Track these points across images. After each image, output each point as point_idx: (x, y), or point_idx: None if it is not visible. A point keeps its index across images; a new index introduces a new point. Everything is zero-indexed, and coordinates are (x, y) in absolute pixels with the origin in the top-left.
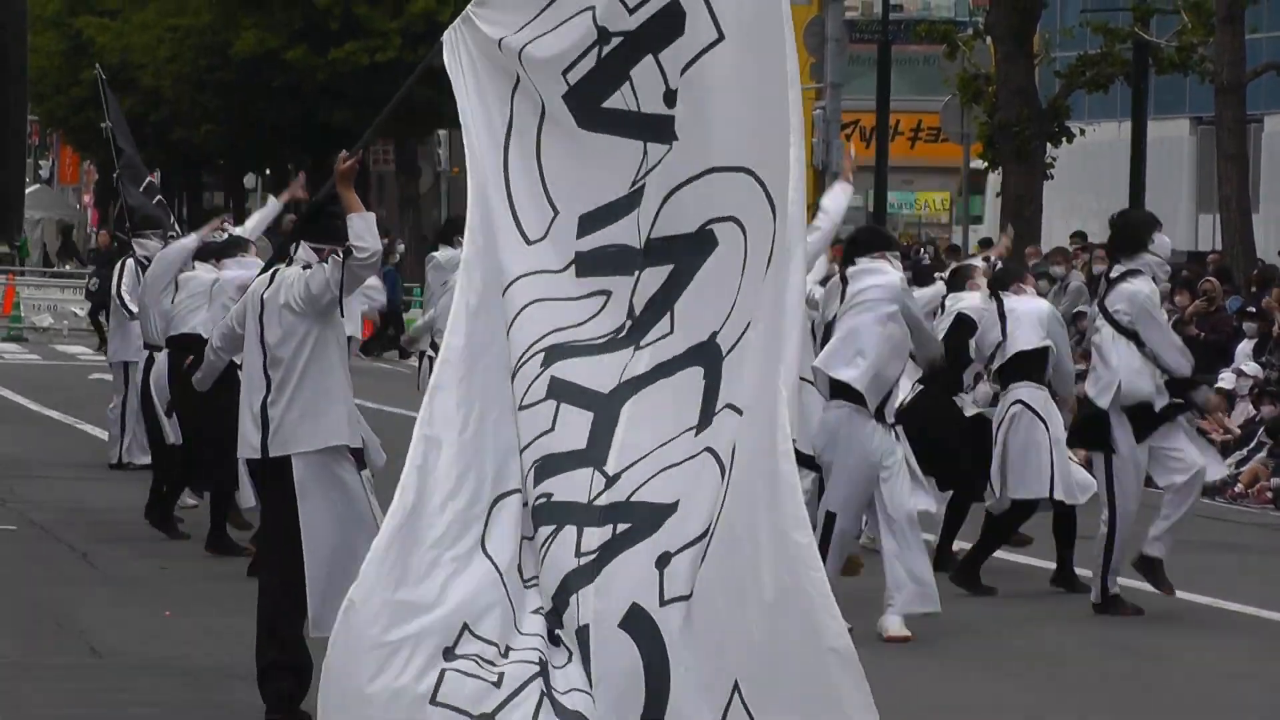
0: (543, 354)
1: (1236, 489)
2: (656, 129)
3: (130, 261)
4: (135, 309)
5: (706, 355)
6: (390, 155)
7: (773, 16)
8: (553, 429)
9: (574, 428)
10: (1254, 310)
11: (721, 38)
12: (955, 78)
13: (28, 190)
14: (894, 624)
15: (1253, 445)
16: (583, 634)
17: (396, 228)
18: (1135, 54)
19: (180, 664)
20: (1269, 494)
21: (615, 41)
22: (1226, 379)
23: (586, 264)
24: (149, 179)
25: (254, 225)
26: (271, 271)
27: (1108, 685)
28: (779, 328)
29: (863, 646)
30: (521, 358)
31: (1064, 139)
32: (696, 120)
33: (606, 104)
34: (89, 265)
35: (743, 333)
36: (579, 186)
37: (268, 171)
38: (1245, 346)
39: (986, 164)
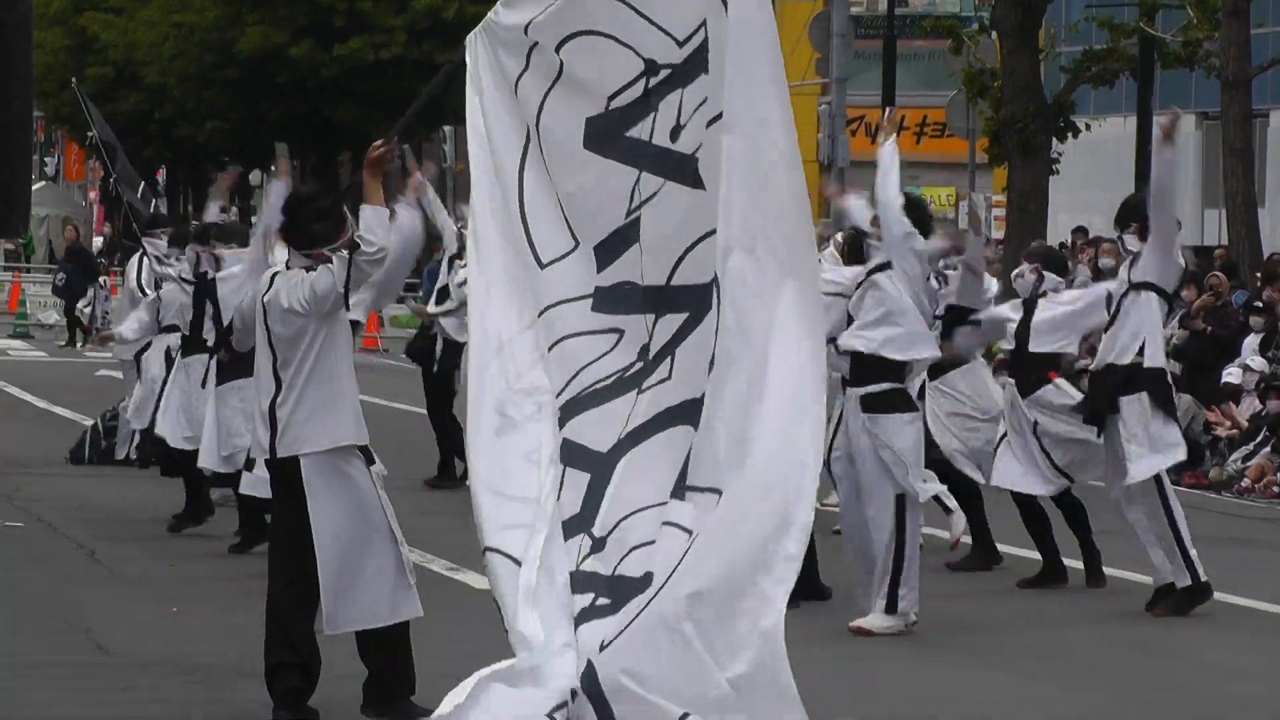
0: (560, 412)
1: (1244, 484)
2: (656, 162)
3: (144, 258)
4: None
5: (698, 415)
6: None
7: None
8: (558, 499)
9: (573, 493)
10: (1260, 305)
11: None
12: (961, 73)
13: (33, 188)
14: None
15: (1259, 440)
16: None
17: None
18: (1141, 49)
19: (187, 661)
20: (1276, 488)
21: (663, 74)
22: (1233, 374)
23: (602, 300)
24: (143, 184)
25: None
26: (271, 274)
27: (1115, 679)
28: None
29: (870, 641)
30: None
31: (1070, 134)
32: (717, 172)
33: (629, 132)
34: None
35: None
36: (592, 216)
37: (273, 168)
38: (1252, 341)
39: (991, 159)
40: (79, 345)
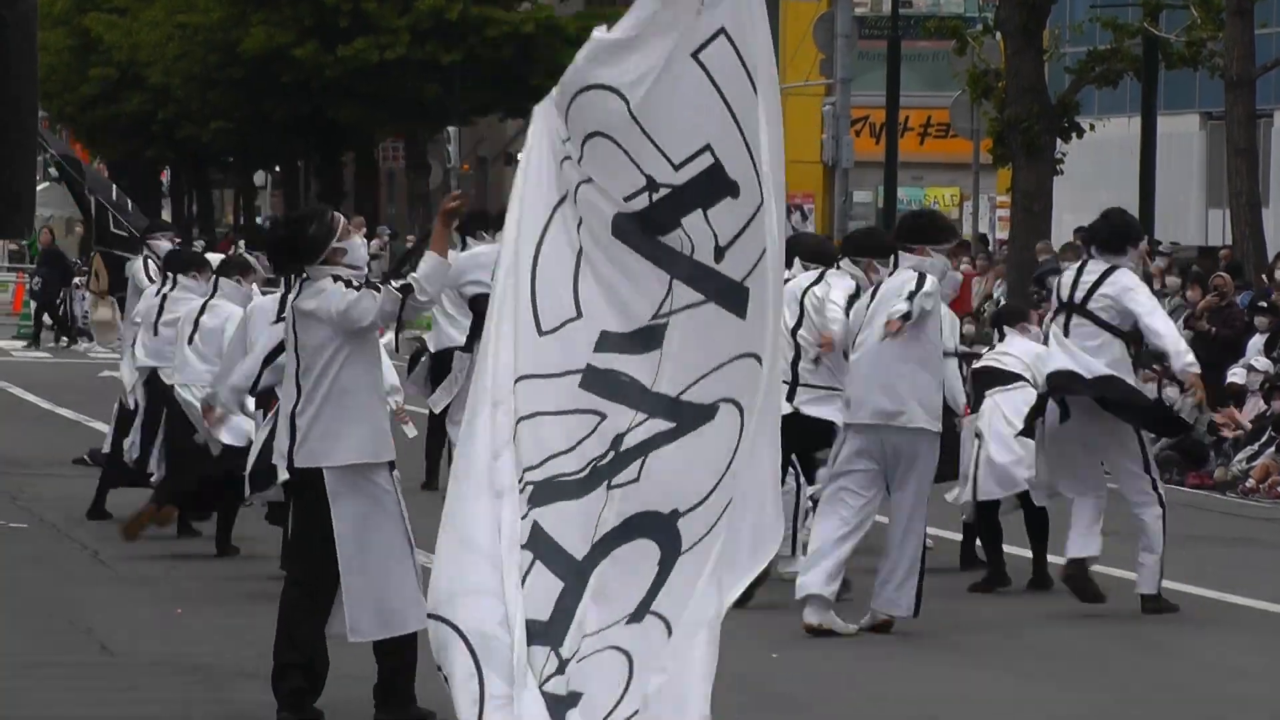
0: (532, 488)
1: (1248, 484)
2: (697, 278)
3: (148, 260)
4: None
5: (666, 533)
6: (400, 152)
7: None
8: (522, 586)
9: (543, 595)
10: (1265, 305)
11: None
12: (965, 73)
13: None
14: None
15: (1264, 440)
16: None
17: (407, 224)
18: (1145, 49)
19: (191, 662)
20: (1279, 489)
21: (663, 192)
22: (1237, 374)
23: (593, 380)
24: (114, 187)
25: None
26: (301, 280)
27: (1116, 679)
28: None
29: (870, 642)
30: (519, 479)
31: (1074, 134)
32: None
33: (663, 239)
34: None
35: (709, 529)
36: (610, 304)
37: (276, 169)
38: (1257, 341)
39: (995, 159)
40: (64, 343)
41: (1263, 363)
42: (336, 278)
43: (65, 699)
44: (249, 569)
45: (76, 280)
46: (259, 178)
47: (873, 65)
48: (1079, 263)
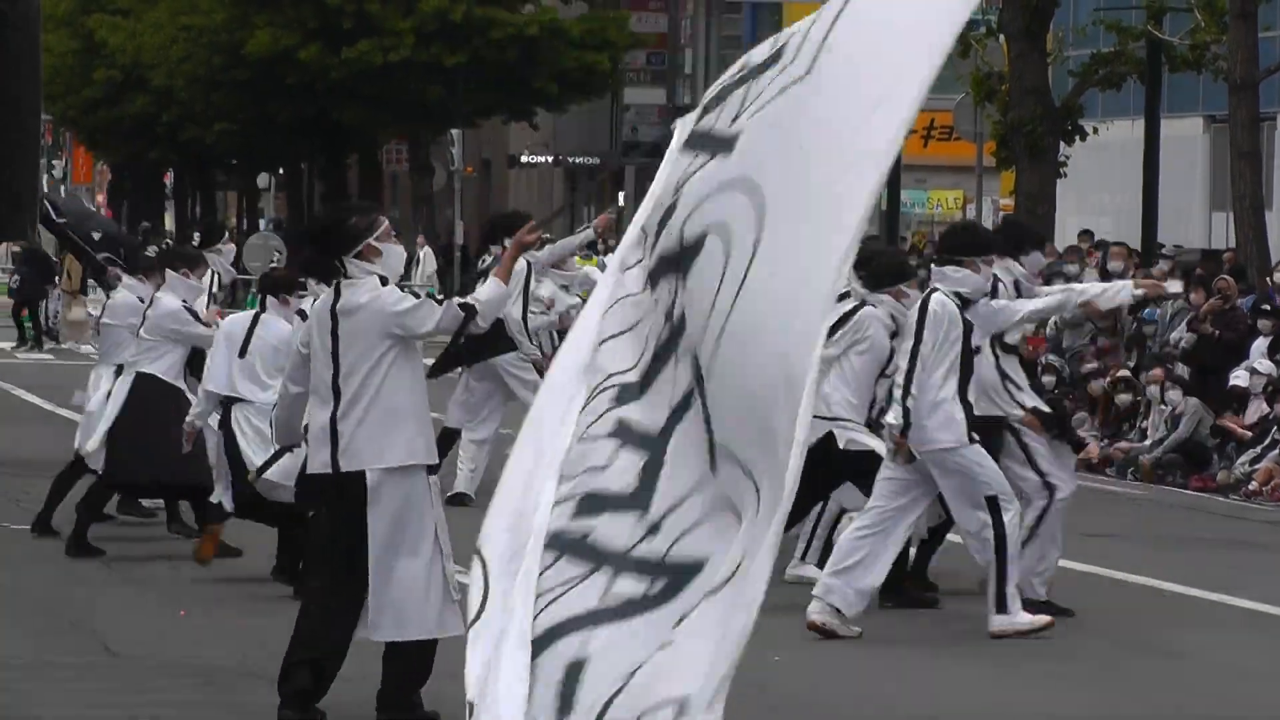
0: (617, 389)
1: (1251, 486)
2: (713, 144)
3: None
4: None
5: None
6: (404, 154)
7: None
8: (605, 468)
9: (627, 471)
10: (1269, 308)
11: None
12: (968, 76)
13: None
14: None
15: (1266, 443)
16: (574, 669)
17: (410, 226)
18: (1148, 52)
19: (195, 663)
20: None
21: (739, 75)
22: (1240, 377)
23: (653, 279)
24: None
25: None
26: (335, 284)
27: (1120, 682)
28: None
29: (873, 644)
30: (599, 386)
31: (1077, 137)
32: (748, 144)
33: (697, 126)
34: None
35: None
36: (652, 202)
37: (280, 171)
38: (1260, 344)
39: (998, 162)
40: (28, 347)
41: (1265, 365)
42: (384, 280)
43: (70, 700)
44: (251, 570)
45: (57, 277)
46: (263, 180)
47: None
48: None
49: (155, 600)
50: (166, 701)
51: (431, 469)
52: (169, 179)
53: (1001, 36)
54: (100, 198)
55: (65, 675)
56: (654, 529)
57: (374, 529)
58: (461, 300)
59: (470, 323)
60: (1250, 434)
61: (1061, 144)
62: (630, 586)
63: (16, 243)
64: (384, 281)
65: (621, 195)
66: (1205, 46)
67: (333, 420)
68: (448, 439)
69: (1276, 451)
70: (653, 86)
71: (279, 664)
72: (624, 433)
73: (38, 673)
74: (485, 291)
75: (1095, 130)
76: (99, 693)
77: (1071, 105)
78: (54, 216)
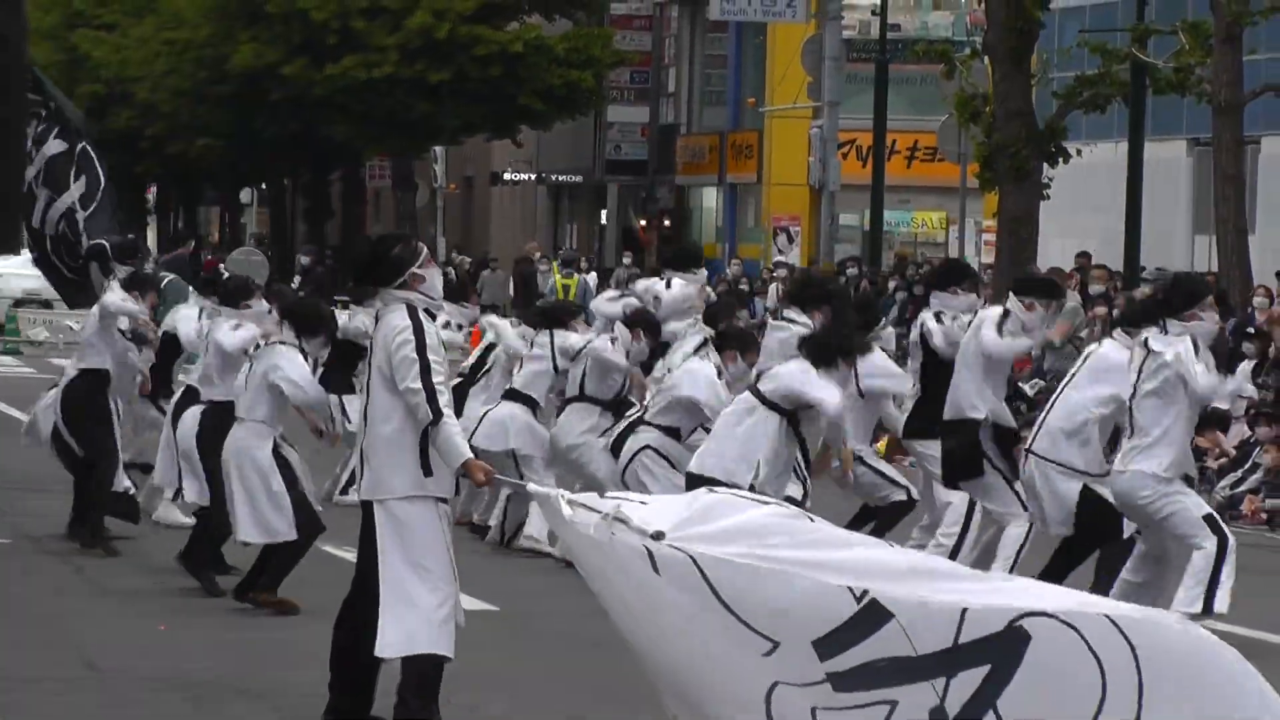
0: None
1: (1240, 510)
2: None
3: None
4: None
5: None
6: (387, 171)
7: None
8: None
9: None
10: (1253, 331)
11: None
12: (952, 97)
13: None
14: None
15: (1248, 466)
16: None
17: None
18: (1133, 75)
19: (178, 678)
20: (1263, 515)
21: None
22: (1223, 401)
23: (848, 680)
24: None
25: None
26: (375, 314)
27: None
28: None
29: None
30: None
31: (1061, 159)
32: None
33: None
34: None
35: None
36: (800, 623)
37: (264, 185)
38: (1245, 367)
39: (982, 184)
40: None
41: (1248, 389)
42: (413, 311)
43: (52, 715)
44: (233, 584)
45: None
46: (245, 195)
47: (860, 88)
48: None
49: (137, 614)
50: (149, 716)
51: (441, 499)
52: (152, 193)
53: (986, 58)
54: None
55: (47, 690)
56: None
57: (383, 552)
58: (441, 406)
59: (429, 427)
60: (1228, 456)
61: (1045, 166)
62: None
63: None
64: (431, 315)
65: (604, 213)
66: (1190, 69)
67: (364, 448)
68: None
69: (1258, 474)
70: (636, 104)
71: (261, 678)
72: None
73: (20, 688)
74: (458, 444)
75: (1079, 152)
76: (81, 708)
77: (1055, 127)
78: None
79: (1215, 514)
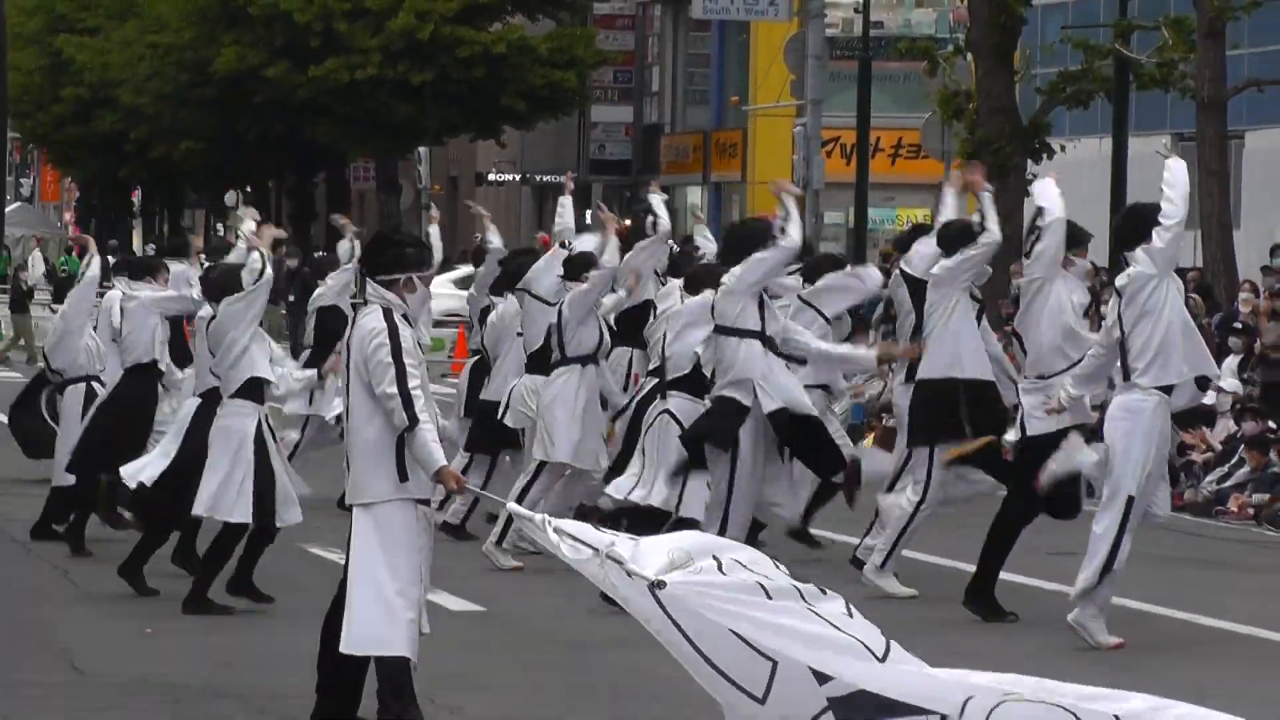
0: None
1: (1227, 506)
2: None
3: None
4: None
5: None
6: (371, 172)
7: None
8: None
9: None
10: (1239, 326)
11: None
12: (936, 94)
13: (8, 209)
14: None
15: (1234, 461)
16: None
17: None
18: (1116, 70)
19: (162, 681)
20: (1250, 510)
21: None
22: (1208, 395)
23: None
24: None
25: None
26: (354, 312)
27: None
28: None
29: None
30: None
31: (1045, 155)
32: None
33: None
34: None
35: None
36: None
37: (248, 188)
38: (1230, 362)
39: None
40: None
41: (1232, 384)
42: (388, 314)
43: (39, 719)
44: (217, 588)
45: None
46: (230, 197)
47: (844, 86)
48: None
49: (122, 618)
50: (134, 719)
51: (422, 501)
52: (136, 196)
53: (969, 55)
54: (69, 215)
55: (32, 694)
56: None
57: (355, 551)
58: (417, 412)
59: (404, 432)
60: (1213, 451)
61: (1029, 162)
62: None
63: None
64: (388, 316)
65: (589, 213)
66: (1173, 65)
67: (348, 451)
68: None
69: (1245, 469)
70: (620, 104)
71: (245, 681)
72: None
73: (3, 691)
74: (432, 451)
75: (1063, 148)
76: (66, 711)
77: (1039, 123)
78: None
79: None
